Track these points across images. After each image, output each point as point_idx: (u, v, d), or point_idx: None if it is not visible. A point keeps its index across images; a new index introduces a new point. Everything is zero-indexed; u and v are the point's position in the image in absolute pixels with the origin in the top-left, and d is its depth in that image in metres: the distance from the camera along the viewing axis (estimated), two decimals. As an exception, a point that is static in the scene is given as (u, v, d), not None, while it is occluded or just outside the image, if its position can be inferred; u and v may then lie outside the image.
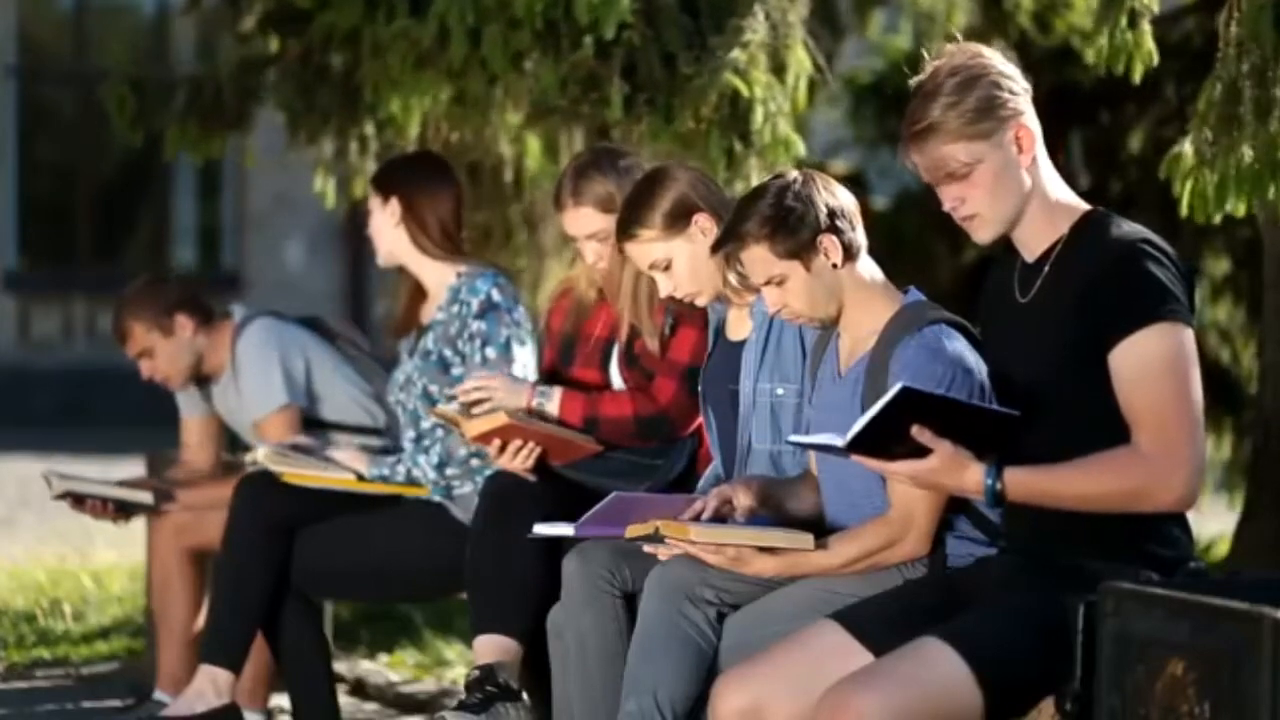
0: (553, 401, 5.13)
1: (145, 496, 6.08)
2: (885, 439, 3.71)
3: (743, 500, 4.26)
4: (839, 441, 3.74)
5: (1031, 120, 3.89)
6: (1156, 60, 4.99)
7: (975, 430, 3.75)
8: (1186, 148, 4.93)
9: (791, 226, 4.18)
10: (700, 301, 4.80)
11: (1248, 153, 4.76)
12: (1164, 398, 3.70)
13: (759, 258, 4.22)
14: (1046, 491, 3.76)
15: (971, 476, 3.75)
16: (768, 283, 4.23)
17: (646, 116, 5.66)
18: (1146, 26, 4.97)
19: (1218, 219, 4.97)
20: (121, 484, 6.19)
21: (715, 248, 4.37)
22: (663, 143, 5.67)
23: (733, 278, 4.53)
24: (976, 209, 3.89)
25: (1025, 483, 3.76)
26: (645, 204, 4.75)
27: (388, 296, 5.87)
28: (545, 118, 6.55)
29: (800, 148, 5.67)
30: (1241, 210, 4.90)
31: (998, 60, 3.90)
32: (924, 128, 3.86)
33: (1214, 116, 4.82)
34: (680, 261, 4.74)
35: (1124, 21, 4.95)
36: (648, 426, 5.05)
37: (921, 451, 3.73)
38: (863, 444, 3.72)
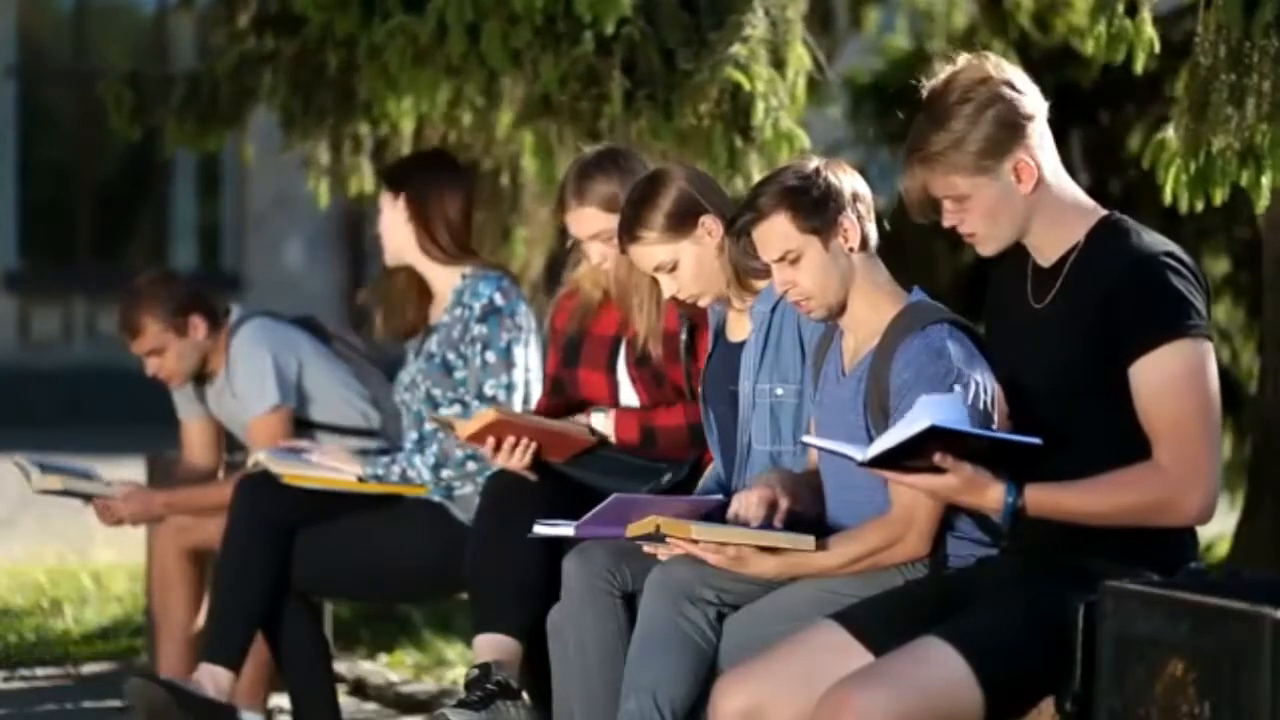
0: (607, 422, 5.10)
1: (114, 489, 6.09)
2: (903, 457, 3.71)
3: (784, 504, 4.22)
4: (856, 455, 3.73)
5: (1037, 150, 3.86)
6: (1158, 48, 4.97)
7: (995, 455, 3.75)
8: (1169, 134, 4.91)
9: (816, 199, 4.18)
10: (702, 303, 4.80)
11: (1223, 140, 4.75)
12: (1185, 414, 3.71)
13: (777, 231, 4.20)
14: (1067, 509, 3.76)
15: (991, 495, 3.75)
16: (781, 258, 4.21)
17: (646, 112, 5.66)
18: (1146, 14, 4.95)
19: (1200, 206, 4.96)
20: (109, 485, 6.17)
21: (731, 224, 4.36)
22: (663, 140, 5.67)
23: (735, 264, 4.53)
24: (974, 229, 3.91)
25: (1045, 500, 3.75)
26: (647, 205, 4.74)
27: (373, 294, 5.82)
28: (538, 117, 6.56)
29: (805, 141, 5.68)
30: (1219, 198, 4.88)
31: (1012, 80, 3.87)
32: (926, 155, 3.87)
33: (1191, 104, 4.81)
34: (686, 263, 4.73)
35: (1121, 9, 4.94)
36: (699, 433, 5.02)
37: (938, 467, 3.73)
38: (879, 460, 3.71)
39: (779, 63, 5.69)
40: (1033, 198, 3.87)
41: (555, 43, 5.73)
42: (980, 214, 3.88)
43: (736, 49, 5.54)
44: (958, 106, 3.85)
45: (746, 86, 5.54)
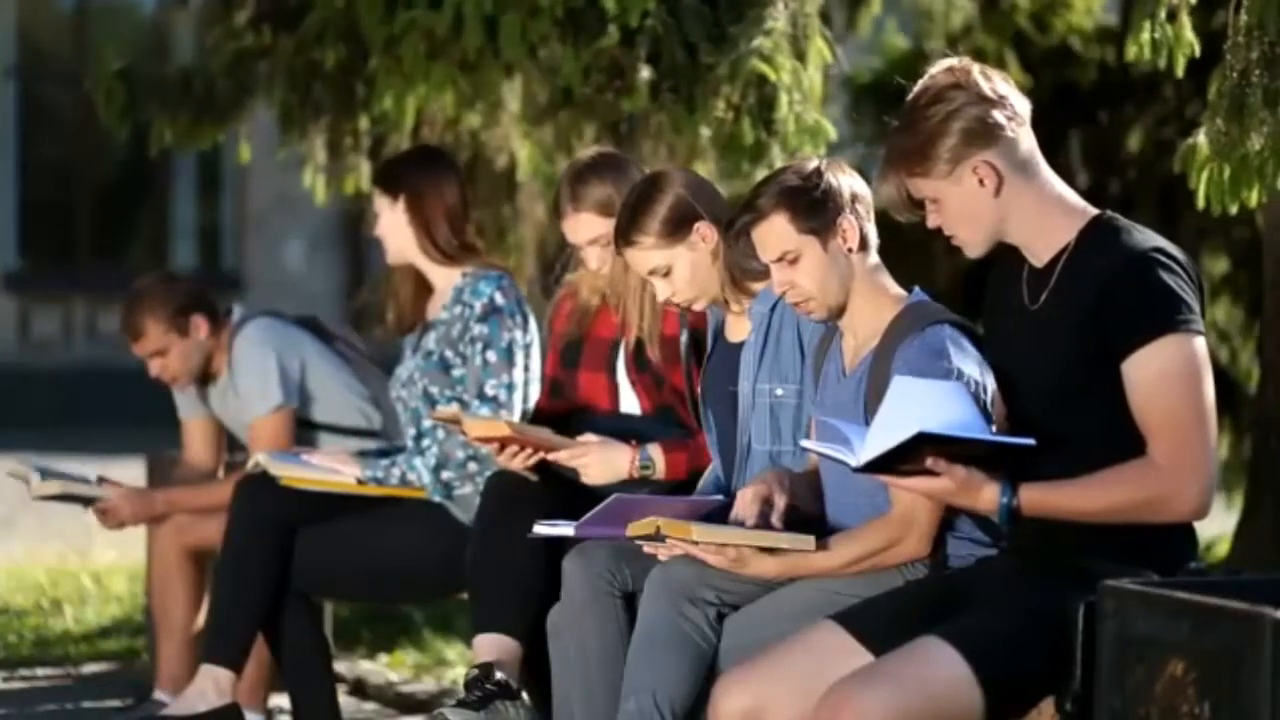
0: (658, 466, 5.01)
1: (102, 491, 6.09)
2: (897, 461, 3.71)
3: (781, 503, 4.23)
4: (850, 460, 3.73)
5: (1008, 154, 3.86)
6: (1198, 51, 4.96)
7: (991, 456, 3.75)
8: (1200, 139, 4.89)
9: (815, 200, 4.20)
10: (697, 307, 4.80)
11: (1258, 141, 4.74)
12: (1179, 409, 3.71)
13: (776, 231, 4.21)
14: (1063, 508, 3.77)
15: (986, 495, 3.76)
16: (780, 259, 4.21)
17: (669, 105, 5.67)
18: (1185, 18, 4.96)
19: (1233, 210, 4.96)
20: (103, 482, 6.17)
21: (730, 224, 4.37)
22: (684, 134, 5.67)
23: (735, 266, 4.54)
24: (951, 231, 3.94)
25: (1041, 499, 3.76)
26: (644, 210, 4.74)
27: (374, 291, 5.83)
28: (549, 117, 6.55)
29: (831, 133, 5.69)
30: (1254, 200, 4.88)
31: (984, 88, 3.87)
32: (895, 158, 3.91)
33: (1225, 106, 4.80)
34: (681, 268, 4.73)
35: (1163, 14, 4.93)
36: None
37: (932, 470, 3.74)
38: (873, 465, 3.71)
39: (799, 55, 5.70)
40: (1001, 200, 3.87)
41: (575, 35, 5.74)
42: (953, 217, 3.91)
43: (760, 41, 5.55)
44: (925, 111, 3.87)
45: (772, 77, 5.56)
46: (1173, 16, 4.90)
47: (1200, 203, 4.95)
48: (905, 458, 3.69)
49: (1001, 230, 3.91)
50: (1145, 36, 4.92)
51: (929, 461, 3.70)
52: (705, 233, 4.73)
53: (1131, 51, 5.00)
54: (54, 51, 17.73)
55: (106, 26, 17.85)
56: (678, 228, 4.73)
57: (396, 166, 5.82)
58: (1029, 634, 3.72)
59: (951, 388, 3.83)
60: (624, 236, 4.74)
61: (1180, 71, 4.97)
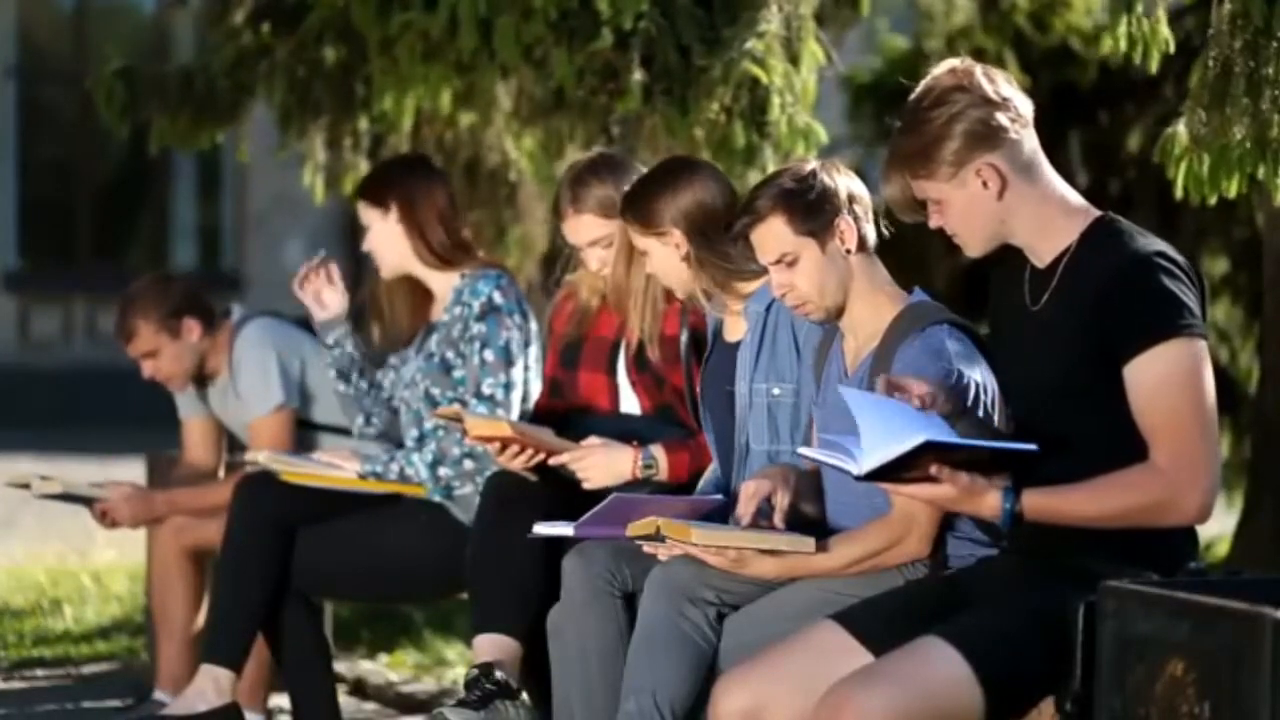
0: (660, 466, 5.00)
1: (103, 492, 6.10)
2: (900, 469, 3.70)
3: (784, 501, 4.22)
4: (852, 469, 3.73)
5: (1012, 156, 3.86)
6: (1173, 48, 4.97)
7: (993, 460, 3.74)
8: (1180, 129, 4.90)
9: (812, 202, 4.20)
10: (678, 294, 4.84)
11: (1239, 131, 4.75)
12: (1181, 414, 3.71)
13: (773, 233, 4.21)
14: (1065, 513, 3.76)
15: (989, 502, 3.75)
16: (778, 261, 4.22)
17: (662, 107, 5.68)
18: (1161, 14, 4.97)
19: (1213, 200, 4.96)
20: (95, 485, 6.18)
21: (728, 227, 4.38)
22: (678, 136, 5.68)
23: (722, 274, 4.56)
24: (954, 231, 3.94)
25: (1043, 505, 3.75)
26: (660, 196, 4.73)
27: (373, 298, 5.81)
28: (543, 117, 6.55)
29: (822, 136, 5.69)
30: (1234, 191, 4.88)
31: (987, 90, 3.87)
32: (898, 160, 3.91)
33: (1207, 96, 4.81)
34: (655, 259, 4.77)
35: (1140, 9, 4.94)
36: None
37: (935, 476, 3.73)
38: (876, 473, 3.71)
39: (793, 58, 5.71)
40: (1004, 203, 3.87)
41: (569, 37, 5.75)
42: (955, 218, 3.91)
43: (752, 44, 5.56)
44: (928, 113, 3.86)
45: (764, 80, 5.56)
46: (1150, 12, 4.91)
47: (1179, 193, 4.95)
48: (908, 465, 3.68)
49: (1004, 231, 3.91)
50: (1121, 30, 4.92)
51: (932, 469, 3.69)
52: (678, 240, 4.74)
53: (1107, 45, 5.01)
54: (54, 51, 17.73)
55: (106, 26, 17.85)
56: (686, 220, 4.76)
57: (383, 177, 5.78)
58: (1029, 634, 3.72)
59: (890, 405, 3.79)
60: (632, 207, 4.75)
61: (1154, 68, 4.98)
